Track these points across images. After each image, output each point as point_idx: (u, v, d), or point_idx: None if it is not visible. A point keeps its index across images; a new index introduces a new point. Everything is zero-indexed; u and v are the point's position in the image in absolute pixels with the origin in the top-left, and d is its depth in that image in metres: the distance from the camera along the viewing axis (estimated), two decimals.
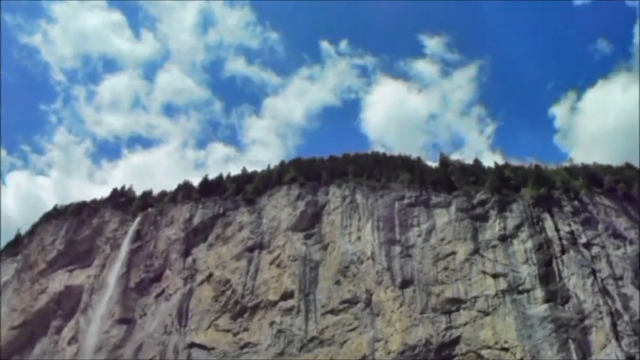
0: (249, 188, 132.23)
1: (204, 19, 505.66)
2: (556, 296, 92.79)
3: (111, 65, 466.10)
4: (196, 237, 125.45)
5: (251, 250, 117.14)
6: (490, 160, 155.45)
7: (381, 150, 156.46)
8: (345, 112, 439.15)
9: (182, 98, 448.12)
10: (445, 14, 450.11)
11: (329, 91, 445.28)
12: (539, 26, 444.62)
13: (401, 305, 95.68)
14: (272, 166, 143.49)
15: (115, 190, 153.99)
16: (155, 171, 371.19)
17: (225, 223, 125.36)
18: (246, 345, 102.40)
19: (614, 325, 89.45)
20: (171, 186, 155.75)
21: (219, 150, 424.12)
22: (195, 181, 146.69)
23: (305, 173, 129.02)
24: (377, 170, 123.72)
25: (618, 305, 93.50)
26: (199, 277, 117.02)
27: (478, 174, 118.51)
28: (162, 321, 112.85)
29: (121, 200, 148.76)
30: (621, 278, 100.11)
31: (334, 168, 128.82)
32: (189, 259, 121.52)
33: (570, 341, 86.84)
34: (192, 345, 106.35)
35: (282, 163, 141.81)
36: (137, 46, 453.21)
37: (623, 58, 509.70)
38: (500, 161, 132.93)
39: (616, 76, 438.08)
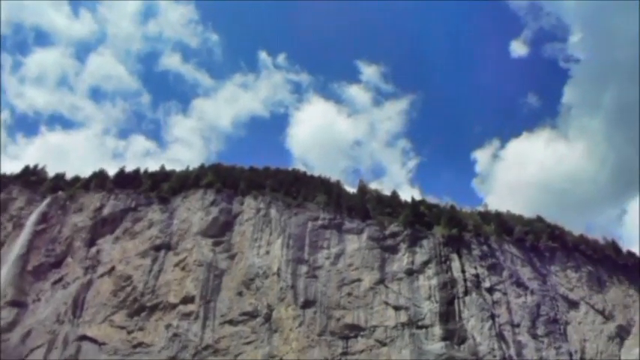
0: (164, 186, 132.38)
1: (146, 9, 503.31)
2: (454, 335, 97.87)
3: (43, 39, 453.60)
4: (104, 228, 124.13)
5: (157, 249, 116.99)
6: (408, 193, 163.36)
7: (302, 168, 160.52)
8: (273, 125, 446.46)
9: (111, 84, 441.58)
10: (386, 44, 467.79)
11: (260, 102, 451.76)
12: (475, 71, 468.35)
13: (300, 325, 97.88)
14: (191, 168, 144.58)
15: (26, 168, 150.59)
16: (71, 154, 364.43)
17: (135, 218, 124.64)
18: (140, 345, 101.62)
19: None
20: (85, 172, 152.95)
21: (140, 143, 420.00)
22: (111, 171, 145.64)
23: (223, 180, 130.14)
24: (295, 188, 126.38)
25: (512, 351, 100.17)
26: (101, 269, 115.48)
27: (394, 206, 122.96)
28: (55, 309, 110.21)
29: (32, 179, 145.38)
30: (518, 326, 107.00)
31: (253, 179, 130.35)
32: (93, 250, 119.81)
33: None
34: (83, 337, 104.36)
35: (201, 166, 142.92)
36: (74, 25, 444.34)
37: (550, 115, 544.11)
38: (418, 196, 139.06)
39: (541, 130, 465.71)
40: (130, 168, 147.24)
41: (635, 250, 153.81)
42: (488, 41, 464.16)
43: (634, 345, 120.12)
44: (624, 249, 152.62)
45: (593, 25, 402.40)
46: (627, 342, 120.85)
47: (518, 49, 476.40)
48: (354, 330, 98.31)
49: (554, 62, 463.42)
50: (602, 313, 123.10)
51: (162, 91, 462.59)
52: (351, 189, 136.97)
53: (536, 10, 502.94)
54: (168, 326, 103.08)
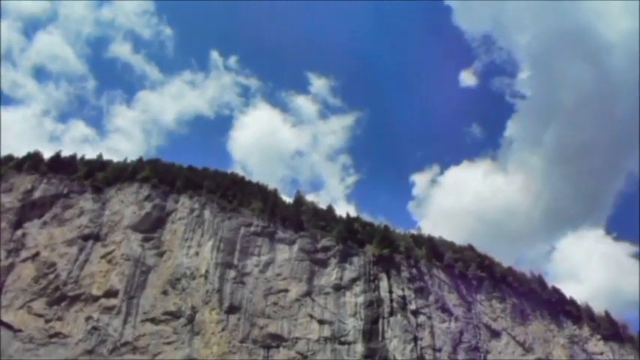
0: (100, 176, 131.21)
1: None
2: (375, 354, 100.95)
3: None
4: (32, 211, 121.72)
5: (85, 238, 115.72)
6: (344, 209, 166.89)
7: (241, 172, 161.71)
8: (217, 126, 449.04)
9: (56, 65, 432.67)
10: (338, 59, 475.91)
11: (206, 101, 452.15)
12: (423, 95, 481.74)
13: (223, 329, 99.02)
14: (129, 160, 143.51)
15: None
16: (7, 132, 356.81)
17: (66, 204, 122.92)
18: (56, 335, 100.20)
19: None
20: (20, 152, 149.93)
21: (79, 128, 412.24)
22: (47, 154, 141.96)
23: (160, 176, 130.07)
24: (232, 191, 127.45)
25: None
26: (24, 254, 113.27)
27: (328, 220, 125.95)
28: None
29: None
30: (440, 350, 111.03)
31: (190, 178, 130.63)
32: (19, 232, 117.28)
33: None
34: None
35: (139, 160, 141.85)
36: None
37: (492, 146, 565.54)
38: (353, 213, 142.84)
39: (481, 161, 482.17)
40: (66, 153, 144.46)
41: (559, 286, 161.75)
42: (439, 68, 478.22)
43: None
44: (550, 285, 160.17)
45: (542, 65, 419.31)
46: None
47: (467, 79, 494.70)
48: (277, 340, 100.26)
49: (501, 96, 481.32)
50: (522, 345, 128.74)
51: (109, 78, 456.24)
52: (288, 199, 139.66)
53: (490, 43, 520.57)
54: (88, 318, 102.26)
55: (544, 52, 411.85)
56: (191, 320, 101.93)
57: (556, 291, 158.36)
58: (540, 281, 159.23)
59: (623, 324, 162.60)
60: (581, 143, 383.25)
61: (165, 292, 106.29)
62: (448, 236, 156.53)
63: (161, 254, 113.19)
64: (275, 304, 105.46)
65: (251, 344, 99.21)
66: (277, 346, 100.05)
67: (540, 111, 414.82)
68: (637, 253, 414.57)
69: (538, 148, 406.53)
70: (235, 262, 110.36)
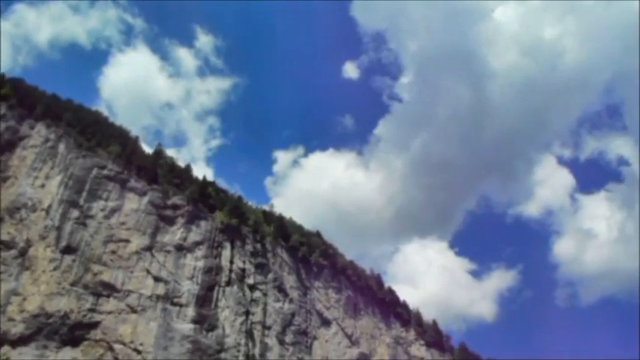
0: None
1: None
2: (205, 321, 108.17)
3: None
4: None
5: None
6: (201, 171, 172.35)
7: (105, 112, 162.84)
8: (91, 58, 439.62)
9: None
10: (229, 20, 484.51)
11: (85, 30, 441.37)
12: (305, 77, 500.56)
13: (55, 269, 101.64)
14: None
15: None
16: None
17: None
18: None
19: None
20: None
21: None
22: None
23: (20, 97, 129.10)
24: (92, 130, 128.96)
25: (257, 351, 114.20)
26: None
27: (184, 179, 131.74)
28: None
29: None
30: (269, 328, 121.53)
31: (51, 107, 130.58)
32: None
33: None
34: None
35: (1, 76, 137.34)
36: None
37: (360, 141, 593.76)
38: (210, 177, 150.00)
39: (347, 152, 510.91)
40: None
41: (395, 288, 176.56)
42: (326, 54, 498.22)
43: None
44: (386, 285, 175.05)
45: (425, 75, 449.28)
46: None
47: (351, 71, 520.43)
48: (108, 289, 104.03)
49: (379, 95, 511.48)
50: (350, 337, 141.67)
51: None
52: (148, 149, 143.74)
53: (380, 41, 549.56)
54: None
55: (430, 64, 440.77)
56: (23, 254, 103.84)
57: (391, 292, 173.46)
58: (378, 280, 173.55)
59: (447, 335, 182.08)
60: (445, 158, 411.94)
61: (1, 220, 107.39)
62: (298, 219, 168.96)
63: (5, 179, 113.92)
64: (114, 252, 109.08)
65: (81, 289, 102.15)
66: (108, 296, 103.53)
67: (413, 118, 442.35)
68: (473, 271, 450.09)
69: (403, 152, 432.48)
70: (81, 202, 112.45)
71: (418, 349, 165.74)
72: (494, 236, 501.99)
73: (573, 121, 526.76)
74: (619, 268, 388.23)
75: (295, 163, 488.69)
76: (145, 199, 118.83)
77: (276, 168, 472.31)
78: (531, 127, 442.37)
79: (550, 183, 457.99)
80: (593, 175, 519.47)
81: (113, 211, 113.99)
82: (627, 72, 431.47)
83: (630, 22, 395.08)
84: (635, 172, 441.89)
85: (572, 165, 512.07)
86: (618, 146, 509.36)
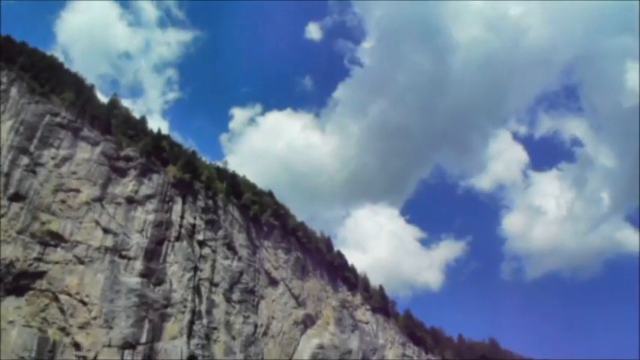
0: None
1: None
2: (152, 275, 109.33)
3: None
4: None
5: None
6: (156, 123, 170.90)
7: (61, 58, 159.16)
8: (48, 1, 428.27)
9: None
10: None
11: None
12: (267, 35, 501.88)
13: (1, 216, 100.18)
14: None
15: None
16: None
17: None
18: None
19: (192, 322, 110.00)
20: None
21: None
22: None
23: None
24: (46, 75, 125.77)
25: (203, 307, 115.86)
26: None
27: (138, 131, 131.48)
28: None
29: None
30: (217, 285, 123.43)
31: (4, 49, 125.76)
32: None
33: (147, 321, 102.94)
34: None
35: None
36: None
37: (318, 103, 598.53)
38: (165, 130, 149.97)
39: (304, 114, 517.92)
40: None
41: (344, 252, 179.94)
42: (290, 14, 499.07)
43: (315, 335, 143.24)
44: (336, 248, 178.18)
45: (387, 42, 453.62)
46: (310, 331, 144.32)
47: (313, 32, 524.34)
48: (56, 239, 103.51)
49: (341, 58, 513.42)
50: (296, 298, 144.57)
51: None
52: (103, 98, 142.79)
53: (345, 5, 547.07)
54: None
55: (394, 31, 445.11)
56: None
57: (340, 255, 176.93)
58: (328, 243, 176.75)
59: (393, 301, 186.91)
60: (401, 126, 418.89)
61: None
62: (252, 177, 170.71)
63: None
64: (63, 202, 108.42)
65: (28, 237, 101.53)
66: (55, 246, 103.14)
67: (373, 83, 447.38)
68: (423, 239, 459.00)
69: (360, 117, 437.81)
70: (32, 149, 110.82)
71: (364, 314, 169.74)
72: (445, 207, 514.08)
73: (531, 98, 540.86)
74: (565, 245, 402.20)
75: (252, 121, 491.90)
76: (98, 149, 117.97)
77: (232, 125, 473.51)
78: (489, 102, 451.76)
79: (504, 158, 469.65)
80: (546, 154, 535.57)
81: (64, 159, 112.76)
82: (587, 55, 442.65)
83: (593, 7, 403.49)
84: (588, 153, 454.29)
85: (527, 142, 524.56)
86: (573, 127, 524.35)
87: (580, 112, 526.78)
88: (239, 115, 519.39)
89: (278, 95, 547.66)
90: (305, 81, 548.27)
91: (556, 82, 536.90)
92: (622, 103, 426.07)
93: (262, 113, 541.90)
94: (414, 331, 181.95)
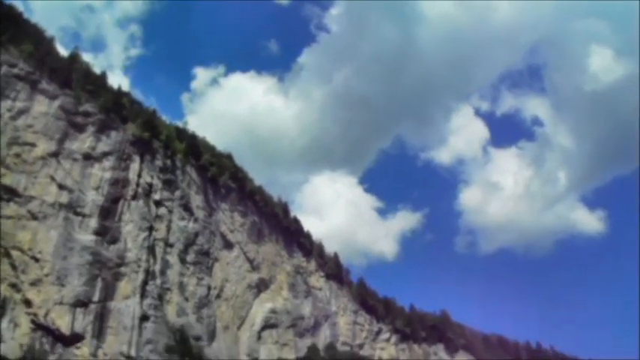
0: None
1: None
2: (106, 233, 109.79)
3: None
4: None
5: None
6: (117, 80, 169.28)
7: (20, 7, 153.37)
8: None
9: None
10: None
11: None
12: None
13: None
14: None
15: None
16: None
17: None
18: None
19: (145, 282, 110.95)
20: None
21: None
22: None
23: None
24: (4, 26, 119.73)
25: (157, 267, 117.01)
26: None
27: (98, 86, 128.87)
28: None
29: None
30: (172, 246, 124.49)
31: None
32: None
33: (100, 279, 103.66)
34: None
35: None
36: None
37: (282, 67, 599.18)
38: (125, 87, 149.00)
39: (268, 77, 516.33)
40: None
41: (301, 218, 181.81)
42: None
43: (268, 300, 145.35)
44: (292, 214, 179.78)
45: (355, 10, 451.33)
46: (263, 295, 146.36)
47: None
48: (9, 193, 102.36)
49: (308, 23, 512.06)
50: (251, 261, 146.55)
51: None
52: (64, 51, 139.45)
53: None
54: None
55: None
56: None
57: (296, 221, 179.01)
58: (285, 208, 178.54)
59: (347, 269, 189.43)
60: (365, 95, 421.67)
61: None
62: (212, 139, 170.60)
63: None
64: (18, 155, 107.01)
65: None
66: (8, 200, 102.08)
67: (338, 51, 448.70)
68: (380, 209, 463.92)
69: (324, 84, 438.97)
70: None
71: (317, 280, 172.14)
72: (403, 178, 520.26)
73: (495, 76, 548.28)
74: (520, 222, 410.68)
75: (214, 81, 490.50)
76: (56, 103, 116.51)
77: (194, 85, 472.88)
78: (454, 76, 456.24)
79: (464, 133, 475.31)
80: (507, 131, 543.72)
81: (21, 112, 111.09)
82: (554, 37, 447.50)
83: None
84: (548, 133, 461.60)
85: (489, 118, 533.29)
86: (534, 106, 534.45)
87: (542, 92, 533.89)
88: (202, 75, 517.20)
89: (242, 57, 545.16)
90: (270, 44, 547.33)
91: (521, 62, 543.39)
92: (584, 87, 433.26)
93: (225, 74, 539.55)
94: (366, 300, 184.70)
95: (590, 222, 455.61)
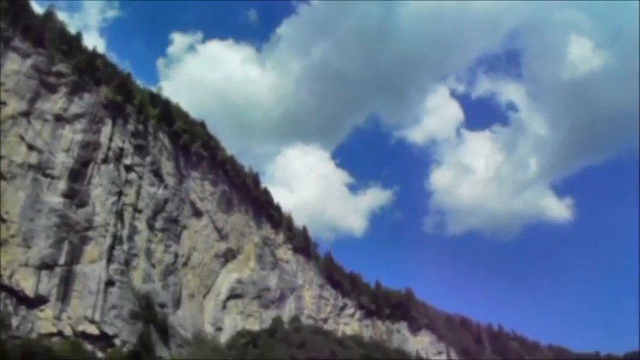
0: None
1: None
2: (75, 196, 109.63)
3: None
4: None
5: None
6: (92, 41, 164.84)
7: None
8: None
9: None
10: None
11: None
12: None
13: None
14: None
15: None
16: None
17: None
18: None
19: (112, 247, 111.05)
20: None
21: None
22: None
23: None
24: None
25: (125, 232, 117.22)
26: None
27: (73, 47, 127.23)
28: None
29: None
30: (140, 212, 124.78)
31: None
32: None
33: (66, 242, 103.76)
34: None
35: None
36: None
37: (260, 37, 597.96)
38: (101, 49, 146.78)
39: (246, 46, 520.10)
40: None
41: (271, 190, 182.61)
42: None
43: (234, 270, 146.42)
44: (263, 185, 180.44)
45: None
46: (230, 265, 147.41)
47: None
48: None
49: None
50: (219, 231, 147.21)
51: None
52: (38, 10, 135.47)
53: None
54: None
55: None
56: None
57: (266, 193, 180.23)
58: (255, 179, 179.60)
59: (315, 243, 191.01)
60: (342, 70, 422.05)
61: None
62: (185, 106, 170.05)
63: None
64: None
65: None
66: None
67: (319, 23, 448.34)
68: (351, 184, 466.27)
69: (302, 56, 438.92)
70: None
71: (285, 253, 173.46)
72: (376, 155, 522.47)
73: (473, 58, 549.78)
74: (489, 205, 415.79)
75: (191, 48, 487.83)
76: (28, 62, 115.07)
77: (170, 50, 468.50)
78: (431, 57, 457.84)
79: (439, 114, 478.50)
80: (481, 114, 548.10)
81: None
82: (534, 23, 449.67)
83: None
84: (522, 119, 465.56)
85: (464, 100, 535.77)
86: (510, 91, 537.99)
87: (519, 78, 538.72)
88: (179, 40, 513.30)
89: (221, 24, 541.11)
90: (250, 13, 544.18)
91: (499, 46, 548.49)
92: (561, 75, 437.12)
93: (203, 41, 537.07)
94: (332, 274, 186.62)
95: (558, 209, 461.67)
